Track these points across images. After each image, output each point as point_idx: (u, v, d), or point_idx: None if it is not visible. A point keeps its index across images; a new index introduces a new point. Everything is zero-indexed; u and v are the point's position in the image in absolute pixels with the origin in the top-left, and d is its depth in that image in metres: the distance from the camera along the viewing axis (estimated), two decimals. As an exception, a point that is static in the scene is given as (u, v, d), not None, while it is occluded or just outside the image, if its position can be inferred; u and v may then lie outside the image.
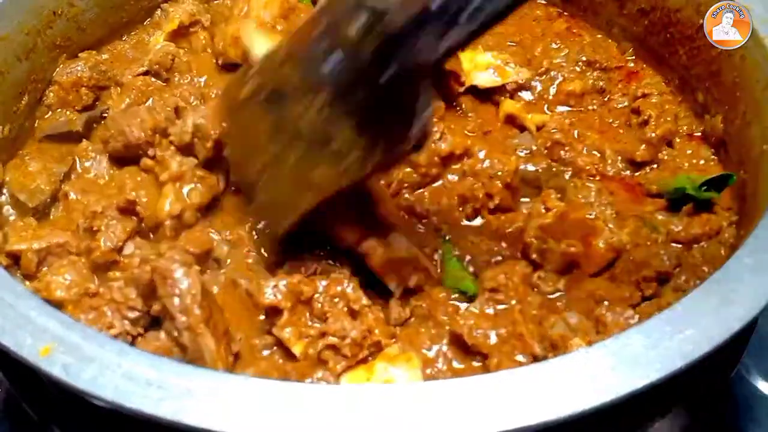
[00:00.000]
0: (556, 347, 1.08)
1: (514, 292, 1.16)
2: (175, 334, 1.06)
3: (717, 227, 1.26)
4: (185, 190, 1.30)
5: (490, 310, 1.15)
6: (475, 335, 1.11)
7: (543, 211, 1.26)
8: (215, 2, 1.75)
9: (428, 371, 1.11)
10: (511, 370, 0.84)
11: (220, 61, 1.60)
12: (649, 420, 1.04)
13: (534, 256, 1.23)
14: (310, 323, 1.12)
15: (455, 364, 1.12)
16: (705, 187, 1.29)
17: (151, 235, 1.29)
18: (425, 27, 1.02)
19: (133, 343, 1.09)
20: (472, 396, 0.81)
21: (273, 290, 1.12)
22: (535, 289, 1.20)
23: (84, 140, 1.43)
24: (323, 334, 1.09)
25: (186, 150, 1.34)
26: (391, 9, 1.02)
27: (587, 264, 1.22)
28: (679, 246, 1.25)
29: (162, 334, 1.08)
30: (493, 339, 1.11)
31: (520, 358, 1.09)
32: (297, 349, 1.09)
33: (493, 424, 0.79)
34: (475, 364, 1.12)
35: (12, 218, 1.31)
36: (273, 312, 1.12)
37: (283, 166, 1.20)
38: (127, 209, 1.25)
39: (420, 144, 1.12)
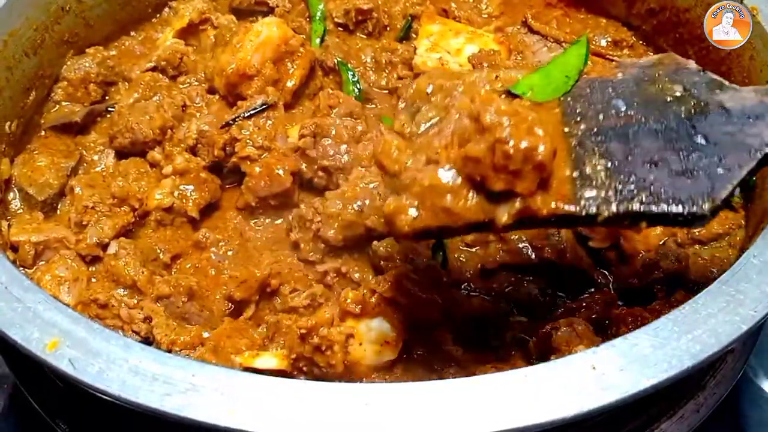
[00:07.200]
0: (559, 350, 1.07)
1: None
2: None
3: (736, 225, 1.25)
4: (183, 187, 1.30)
5: None
6: None
7: None
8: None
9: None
10: (519, 369, 0.83)
11: (205, 85, 1.49)
12: (656, 420, 1.04)
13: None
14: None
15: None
16: None
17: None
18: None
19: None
20: (479, 395, 0.81)
21: None
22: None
23: (93, 133, 1.43)
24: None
25: (194, 150, 1.35)
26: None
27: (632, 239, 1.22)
28: (695, 246, 1.24)
29: None
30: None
31: None
32: (284, 365, 1.09)
33: (500, 422, 0.79)
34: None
35: (20, 213, 1.31)
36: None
37: None
38: (122, 201, 1.27)
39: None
